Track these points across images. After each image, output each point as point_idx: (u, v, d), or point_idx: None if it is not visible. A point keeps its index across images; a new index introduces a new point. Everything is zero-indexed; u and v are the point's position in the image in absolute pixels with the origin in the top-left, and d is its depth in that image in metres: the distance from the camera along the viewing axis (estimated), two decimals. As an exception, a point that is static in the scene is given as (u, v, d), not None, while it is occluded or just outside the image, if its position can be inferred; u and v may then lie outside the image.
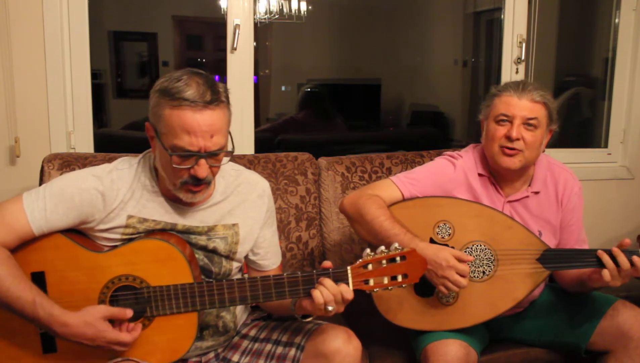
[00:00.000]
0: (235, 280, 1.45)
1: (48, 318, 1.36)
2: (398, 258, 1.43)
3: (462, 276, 1.65)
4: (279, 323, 1.64)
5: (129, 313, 1.40)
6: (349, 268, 1.43)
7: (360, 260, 1.44)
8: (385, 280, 1.44)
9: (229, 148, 1.44)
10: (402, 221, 1.74)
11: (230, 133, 1.45)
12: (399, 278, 1.44)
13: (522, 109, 1.76)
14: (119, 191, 1.45)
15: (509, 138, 1.75)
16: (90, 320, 1.37)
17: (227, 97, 1.42)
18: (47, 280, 1.44)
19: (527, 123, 1.76)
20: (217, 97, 1.37)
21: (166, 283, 1.43)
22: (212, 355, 1.62)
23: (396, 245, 1.44)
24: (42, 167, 2.02)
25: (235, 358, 1.60)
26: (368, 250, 1.44)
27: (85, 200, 1.43)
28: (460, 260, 1.66)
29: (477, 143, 1.96)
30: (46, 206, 1.42)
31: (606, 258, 1.65)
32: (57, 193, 1.43)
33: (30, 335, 1.44)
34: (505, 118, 1.77)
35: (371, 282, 1.43)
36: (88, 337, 1.37)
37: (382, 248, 1.44)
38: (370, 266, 1.43)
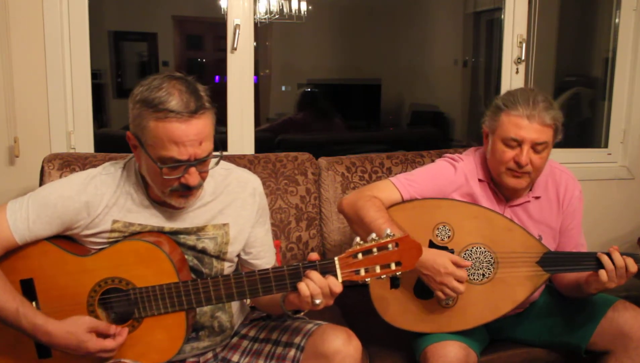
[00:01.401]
0: (220, 277, 1.43)
1: (31, 328, 1.36)
2: (390, 245, 1.36)
3: (460, 281, 1.66)
4: (278, 323, 1.63)
5: (112, 329, 1.41)
6: (336, 259, 1.38)
7: (349, 250, 1.37)
8: (378, 269, 1.36)
9: (217, 151, 1.42)
10: (401, 223, 1.73)
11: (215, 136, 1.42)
12: (392, 266, 1.37)
13: (532, 132, 1.71)
14: (103, 197, 1.45)
15: (517, 163, 1.73)
16: (73, 330, 1.37)
17: (210, 99, 1.39)
18: (36, 287, 1.44)
19: (536, 148, 1.73)
20: (201, 104, 1.34)
21: (151, 284, 1.42)
22: (210, 355, 1.61)
23: (388, 231, 1.37)
24: (42, 167, 2.02)
25: (235, 358, 1.60)
26: (358, 239, 1.38)
27: (68, 208, 1.43)
28: (458, 265, 1.66)
29: (478, 146, 1.95)
30: (29, 216, 1.41)
31: (605, 259, 1.65)
32: (40, 202, 1.43)
33: (25, 341, 1.43)
34: (514, 143, 1.74)
35: (362, 272, 1.37)
36: (71, 347, 1.38)
37: (373, 235, 1.37)
38: (360, 256, 1.36)
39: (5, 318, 1.37)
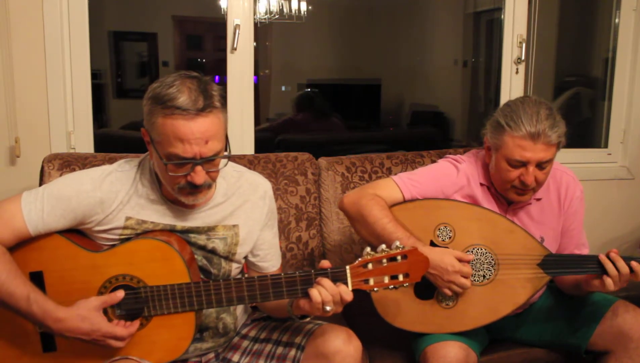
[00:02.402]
0: (232, 279, 1.44)
1: (42, 314, 1.36)
2: (399, 257, 1.41)
3: (466, 277, 1.68)
4: (279, 323, 1.64)
5: (119, 294, 1.40)
6: (347, 267, 1.41)
7: (360, 259, 1.41)
8: (386, 280, 1.41)
9: (227, 151, 1.43)
10: (403, 223, 1.74)
11: (227, 137, 1.43)
12: (400, 278, 1.42)
13: (538, 153, 1.68)
14: (118, 194, 1.45)
15: (522, 182, 1.72)
16: (84, 312, 1.37)
17: (222, 100, 1.39)
18: (45, 280, 1.44)
19: (540, 165, 1.71)
20: (210, 102, 1.34)
21: (163, 283, 1.43)
22: (212, 355, 1.62)
23: (397, 243, 1.41)
24: (42, 167, 2.02)
25: (236, 358, 1.60)
26: (368, 249, 1.42)
27: (83, 203, 1.43)
28: (461, 261, 1.68)
29: (479, 148, 1.94)
30: (44, 208, 1.42)
31: (610, 265, 1.64)
32: (56, 195, 1.43)
33: (30, 334, 1.44)
34: (519, 163, 1.72)
35: (371, 282, 1.41)
36: (83, 331, 1.37)
37: (383, 246, 1.42)
38: (370, 266, 1.41)
39: (16, 304, 1.36)
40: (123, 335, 1.39)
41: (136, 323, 1.43)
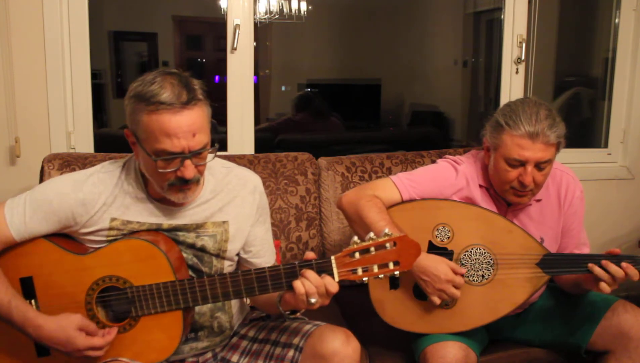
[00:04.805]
0: (216, 275, 1.43)
1: (22, 320, 1.37)
2: (388, 245, 1.35)
3: (457, 287, 1.68)
4: (277, 323, 1.63)
5: (100, 332, 1.42)
6: (332, 258, 1.37)
7: (346, 249, 1.36)
8: (375, 269, 1.35)
9: (213, 145, 1.43)
10: (401, 224, 1.73)
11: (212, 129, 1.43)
12: (390, 266, 1.35)
13: (536, 152, 1.67)
14: (101, 195, 1.45)
15: (521, 183, 1.71)
16: (64, 324, 1.38)
17: (204, 93, 1.40)
18: (35, 285, 1.45)
19: (539, 166, 1.71)
20: (193, 95, 1.35)
21: (148, 282, 1.42)
22: (209, 355, 1.61)
23: (386, 230, 1.35)
24: (42, 167, 2.02)
25: (234, 358, 1.60)
26: (355, 238, 1.36)
27: (64, 205, 1.43)
28: (454, 272, 1.68)
29: (478, 149, 1.94)
30: (25, 212, 1.42)
31: (597, 270, 1.64)
32: (37, 198, 1.44)
33: (24, 338, 1.44)
34: (517, 162, 1.71)
35: (359, 271, 1.36)
36: (59, 341, 1.38)
37: (371, 234, 1.36)
38: (357, 255, 1.35)
39: None
40: (100, 345, 1.40)
41: (114, 330, 1.43)
